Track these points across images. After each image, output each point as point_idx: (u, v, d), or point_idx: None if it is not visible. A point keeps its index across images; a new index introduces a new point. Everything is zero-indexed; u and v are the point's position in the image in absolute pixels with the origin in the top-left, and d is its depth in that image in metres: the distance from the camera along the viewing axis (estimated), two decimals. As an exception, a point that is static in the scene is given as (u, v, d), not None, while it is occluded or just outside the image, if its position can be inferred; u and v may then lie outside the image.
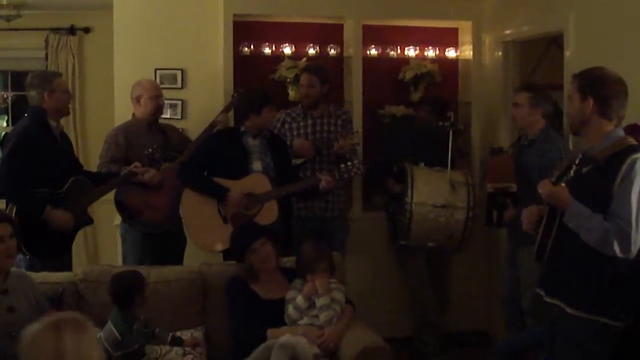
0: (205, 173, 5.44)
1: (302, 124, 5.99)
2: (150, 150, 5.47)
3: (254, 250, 4.64)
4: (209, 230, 5.32)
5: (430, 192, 5.79)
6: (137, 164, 5.41)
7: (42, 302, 4.09)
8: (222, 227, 5.28)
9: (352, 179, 5.65)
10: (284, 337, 4.33)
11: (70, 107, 5.72)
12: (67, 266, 5.21)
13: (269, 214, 5.21)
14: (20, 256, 4.83)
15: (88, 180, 5.30)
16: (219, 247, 5.28)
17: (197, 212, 5.35)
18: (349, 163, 5.42)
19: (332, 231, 6.01)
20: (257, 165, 5.42)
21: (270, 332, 4.41)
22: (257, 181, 5.32)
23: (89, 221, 5.45)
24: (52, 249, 5.11)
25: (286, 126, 6.00)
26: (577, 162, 3.69)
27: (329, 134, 6.00)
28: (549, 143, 5.25)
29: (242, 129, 5.46)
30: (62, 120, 7.21)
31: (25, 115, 5.33)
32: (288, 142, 5.87)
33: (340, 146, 5.88)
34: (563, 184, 3.65)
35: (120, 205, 5.61)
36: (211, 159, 5.42)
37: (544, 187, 3.72)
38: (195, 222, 5.37)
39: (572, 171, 3.68)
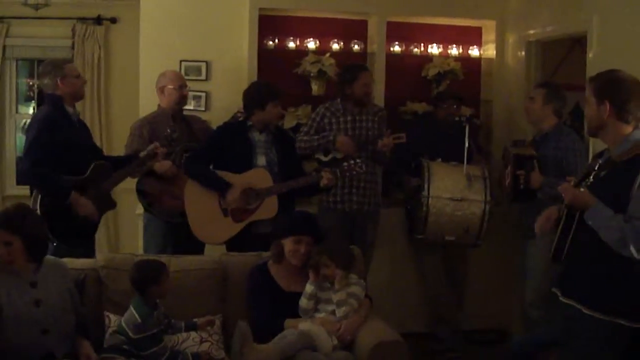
0: (212, 166, 5.47)
1: (341, 119, 5.98)
2: (168, 130, 5.54)
3: (297, 241, 4.66)
4: (209, 223, 5.37)
5: (447, 186, 5.85)
6: (156, 144, 5.45)
7: (74, 294, 4.15)
8: (223, 220, 5.34)
9: (353, 177, 5.67)
10: (305, 324, 4.39)
11: (86, 91, 5.75)
12: (91, 252, 5.27)
13: (269, 209, 5.25)
14: None
15: (109, 164, 5.36)
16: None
17: (198, 204, 5.39)
18: (352, 161, 5.42)
19: (365, 225, 6.06)
20: (261, 160, 5.45)
21: (287, 322, 4.46)
22: (258, 176, 5.35)
23: (113, 205, 5.49)
24: (79, 235, 5.18)
25: (326, 120, 5.99)
26: (596, 167, 3.69)
27: (367, 131, 6.01)
28: (562, 136, 5.43)
29: (249, 123, 5.48)
30: (87, 109, 7.35)
31: (43, 103, 5.40)
32: (331, 137, 5.88)
33: (384, 144, 5.88)
34: (582, 189, 3.67)
35: (141, 193, 5.69)
36: (217, 152, 5.46)
37: (565, 190, 3.73)
38: (197, 214, 5.40)
39: (591, 177, 3.69)
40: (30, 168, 5.04)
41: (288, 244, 4.66)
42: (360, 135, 5.98)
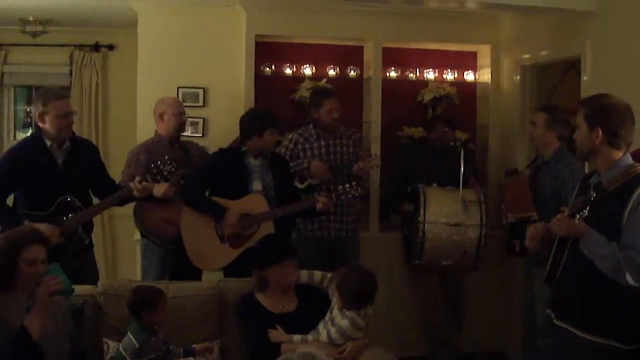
0: (207, 192, 5.45)
1: (315, 144, 5.99)
2: (158, 162, 5.37)
3: (281, 267, 4.62)
4: (206, 250, 5.34)
5: (443, 211, 5.87)
6: (137, 179, 5.25)
7: (68, 320, 4.13)
8: (219, 246, 5.32)
9: (350, 201, 5.68)
10: (302, 347, 4.37)
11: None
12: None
13: (265, 234, 5.21)
14: None
15: (75, 203, 5.10)
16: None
17: (195, 231, 5.35)
18: (347, 185, 5.44)
19: (345, 251, 6.03)
20: (257, 185, 5.43)
21: (284, 346, 4.43)
22: (254, 201, 5.33)
23: (80, 242, 5.20)
24: None
25: (299, 147, 6.01)
26: (592, 198, 3.67)
27: (342, 155, 6.02)
28: (562, 164, 5.32)
29: (244, 148, 5.47)
30: (84, 135, 7.27)
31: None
32: (305, 164, 5.90)
33: (359, 168, 5.90)
34: (577, 221, 3.67)
35: (137, 220, 5.66)
36: (213, 178, 5.43)
37: (560, 222, 3.73)
38: (193, 241, 5.35)
39: (586, 210, 3.68)
40: None
41: (274, 272, 4.62)
42: (335, 159, 5.99)
